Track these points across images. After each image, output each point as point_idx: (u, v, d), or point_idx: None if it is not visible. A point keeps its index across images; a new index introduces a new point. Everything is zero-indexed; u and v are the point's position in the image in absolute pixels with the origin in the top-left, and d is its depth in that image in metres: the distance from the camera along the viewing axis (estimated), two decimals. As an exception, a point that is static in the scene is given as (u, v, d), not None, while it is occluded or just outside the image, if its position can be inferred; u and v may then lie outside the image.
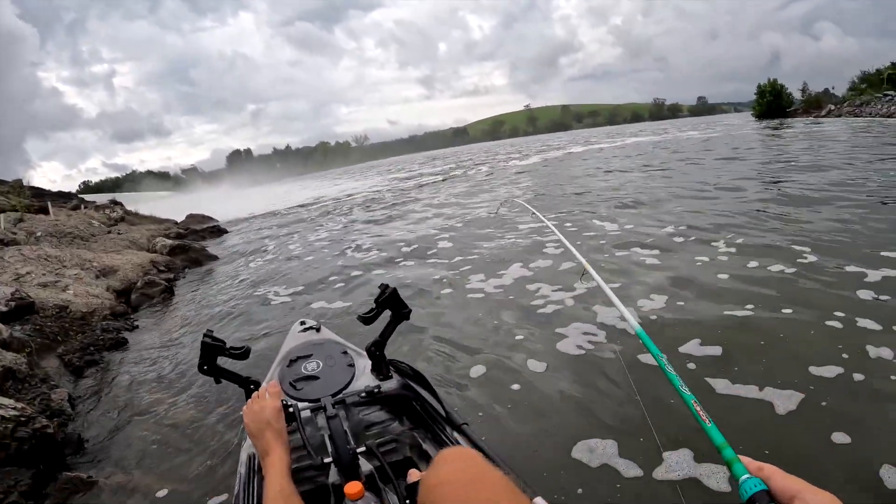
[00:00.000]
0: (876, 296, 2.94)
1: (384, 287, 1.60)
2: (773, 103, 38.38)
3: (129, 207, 15.45)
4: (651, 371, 2.48)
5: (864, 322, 2.64)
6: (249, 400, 1.25)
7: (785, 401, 2.09)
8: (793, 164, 9.59)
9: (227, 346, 1.40)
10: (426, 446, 1.40)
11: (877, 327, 2.58)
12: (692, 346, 2.65)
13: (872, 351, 2.37)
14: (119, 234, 9.70)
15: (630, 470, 1.87)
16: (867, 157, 9.39)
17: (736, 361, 2.44)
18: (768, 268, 3.71)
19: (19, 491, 2.02)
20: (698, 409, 0.74)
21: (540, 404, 2.37)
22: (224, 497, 2.01)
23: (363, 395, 1.48)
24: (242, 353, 1.43)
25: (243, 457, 1.43)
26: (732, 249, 4.30)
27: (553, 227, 2.24)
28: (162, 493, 2.11)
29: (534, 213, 2.50)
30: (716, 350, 2.57)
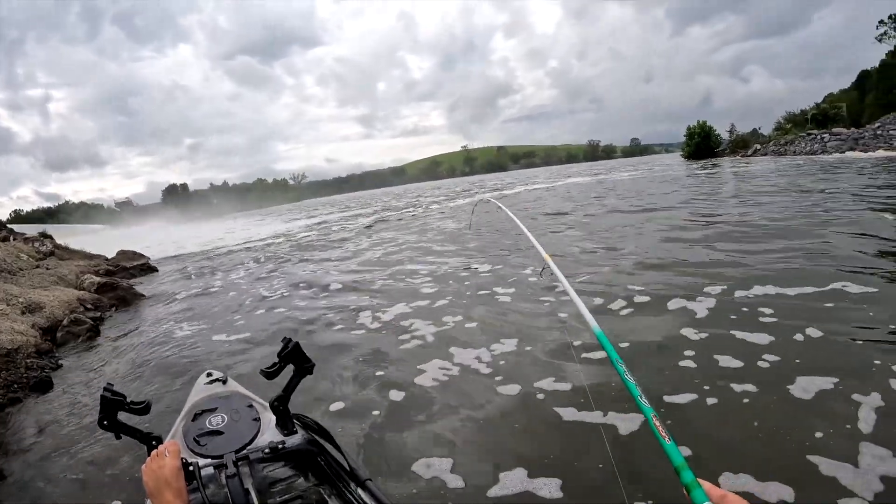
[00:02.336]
0: (696, 331, 3.53)
1: (287, 340, 1.55)
2: (701, 144, 39.65)
3: (59, 241, 14.86)
4: (511, 399, 2.92)
5: (721, 358, 3.02)
6: (148, 458, 1.19)
7: (627, 423, 2.43)
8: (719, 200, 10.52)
9: (128, 400, 1.34)
10: (331, 503, 1.38)
11: (737, 364, 2.93)
12: (546, 384, 3.04)
13: (733, 380, 2.73)
14: (48, 269, 9.48)
15: (455, 482, 2.23)
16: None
17: (582, 394, 2.81)
18: (600, 303, 4.28)
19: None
20: (657, 424, 0.67)
21: (398, 426, 2.81)
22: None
23: (267, 451, 1.44)
24: (143, 408, 1.38)
25: None
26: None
27: (518, 222, 2.43)
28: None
29: (500, 208, 2.67)
30: (566, 385, 2.96)
